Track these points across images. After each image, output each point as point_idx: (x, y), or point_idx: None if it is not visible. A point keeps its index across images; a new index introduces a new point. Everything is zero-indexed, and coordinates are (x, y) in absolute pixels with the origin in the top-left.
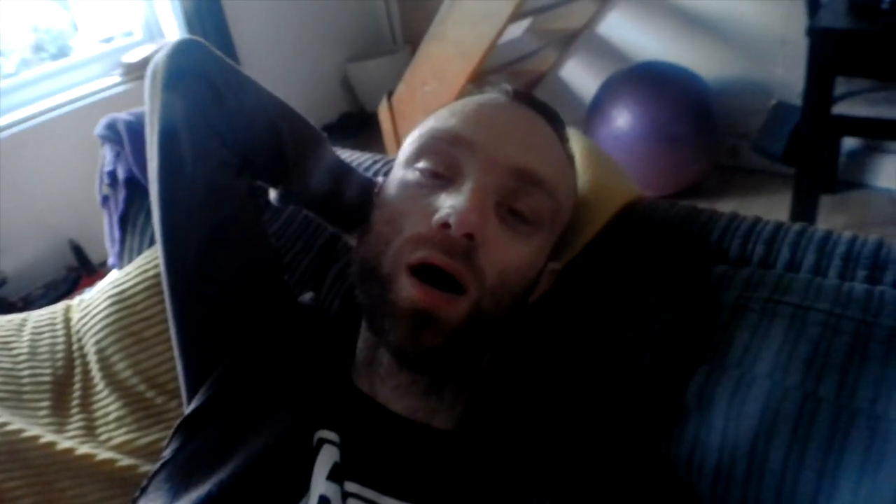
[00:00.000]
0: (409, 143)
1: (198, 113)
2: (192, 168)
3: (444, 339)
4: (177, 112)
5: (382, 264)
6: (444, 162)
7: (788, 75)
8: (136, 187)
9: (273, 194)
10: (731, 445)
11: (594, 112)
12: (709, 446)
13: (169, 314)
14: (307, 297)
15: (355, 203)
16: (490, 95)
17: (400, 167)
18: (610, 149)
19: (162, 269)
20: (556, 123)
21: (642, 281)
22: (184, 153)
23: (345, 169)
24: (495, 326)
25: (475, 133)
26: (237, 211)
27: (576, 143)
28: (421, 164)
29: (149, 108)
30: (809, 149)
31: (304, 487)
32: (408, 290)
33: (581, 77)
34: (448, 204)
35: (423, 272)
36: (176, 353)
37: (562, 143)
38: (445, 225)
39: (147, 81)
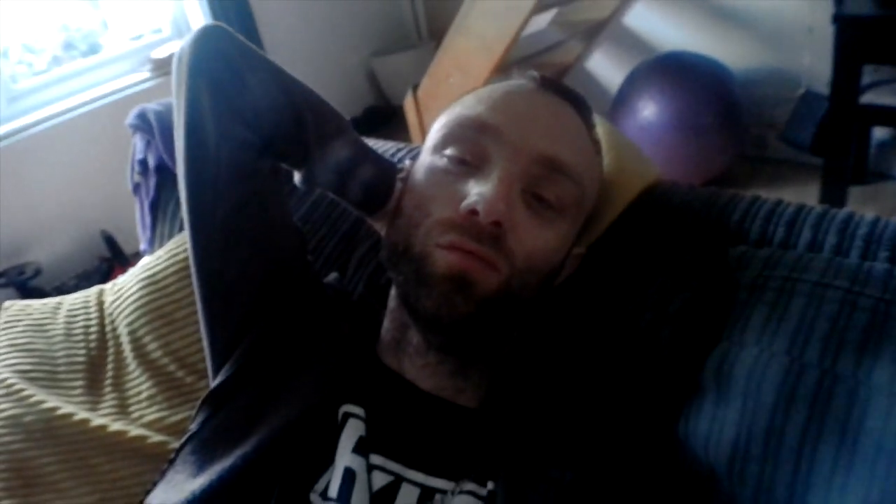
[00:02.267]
0: (437, 130)
1: (221, 94)
2: (215, 148)
3: (476, 307)
4: (202, 94)
5: (414, 245)
6: (471, 149)
7: (816, 64)
8: (166, 175)
9: (297, 177)
10: (748, 422)
11: (620, 103)
12: (726, 423)
13: (195, 290)
14: (332, 277)
15: (378, 186)
16: (517, 82)
17: (428, 153)
18: (636, 140)
19: (189, 246)
20: (583, 110)
21: (662, 261)
22: (208, 133)
23: (368, 153)
24: (521, 307)
25: (501, 121)
26: (260, 190)
27: (596, 127)
28: (448, 151)
29: (175, 90)
30: (837, 139)
31: (329, 460)
32: (444, 258)
33: (606, 68)
34: (476, 191)
35: None
36: (202, 329)
37: (588, 129)
38: (473, 212)
39: (174, 65)
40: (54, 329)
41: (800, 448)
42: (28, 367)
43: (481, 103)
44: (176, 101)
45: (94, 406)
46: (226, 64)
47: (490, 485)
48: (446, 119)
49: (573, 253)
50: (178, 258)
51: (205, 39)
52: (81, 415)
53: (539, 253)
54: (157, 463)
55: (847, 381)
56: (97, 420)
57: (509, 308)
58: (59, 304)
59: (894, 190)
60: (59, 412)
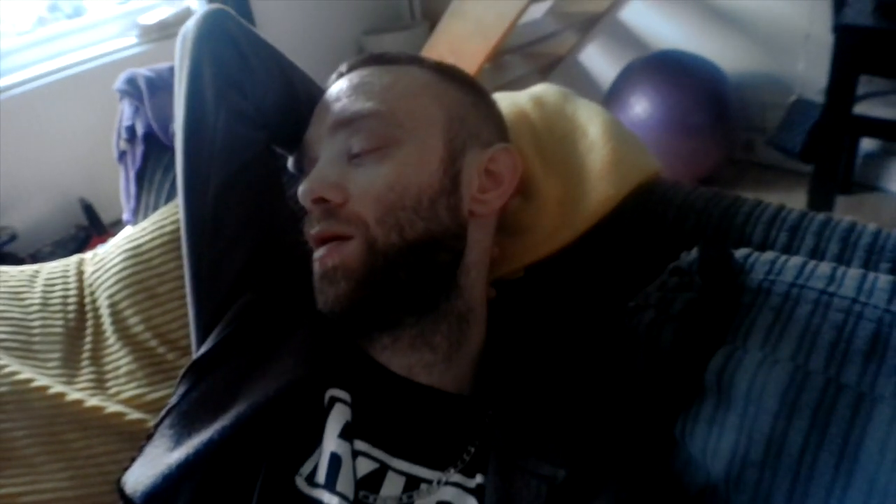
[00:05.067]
0: None
1: (222, 67)
2: (214, 116)
3: (351, 283)
4: (204, 64)
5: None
6: (307, 167)
7: (810, 71)
8: (153, 143)
9: (290, 161)
10: (748, 427)
11: (612, 98)
12: (726, 427)
13: (184, 258)
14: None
15: None
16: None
17: None
18: None
19: (181, 213)
20: (378, 60)
21: (664, 260)
22: (207, 101)
23: None
24: (420, 247)
25: (310, 132)
26: (253, 161)
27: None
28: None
29: (178, 67)
30: (828, 147)
31: (315, 444)
32: (314, 257)
33: (600, 62)
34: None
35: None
36: (189, 297)
37: (390, 63)
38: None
39: (178, 44)
40: (31, 297)
41: (800, 456)
42: (2, 336)
43: None
44: (178, 75)
45: (70, 380)
46: (230, 40)
47: (479, 478)
48: None
49: (494, 151)
50: (164, 230)
51: (210, 19)
52: (57, 388)
53: (382, 192)
54: (134, 441)
55: (851, 391)
56: (73, 394)
57: (397, 259)
58: (37, 271)
59: (878, 201)
60: (34, 384)
